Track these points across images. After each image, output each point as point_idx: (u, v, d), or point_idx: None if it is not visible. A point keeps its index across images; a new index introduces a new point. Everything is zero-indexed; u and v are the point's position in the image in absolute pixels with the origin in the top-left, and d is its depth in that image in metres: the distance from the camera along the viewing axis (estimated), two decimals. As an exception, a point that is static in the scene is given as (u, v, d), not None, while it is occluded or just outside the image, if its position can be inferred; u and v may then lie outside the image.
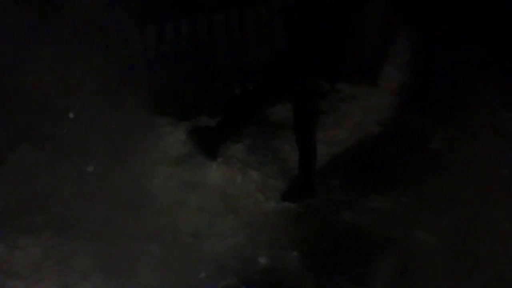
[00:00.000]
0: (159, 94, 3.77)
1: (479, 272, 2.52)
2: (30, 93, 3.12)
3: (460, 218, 2.85)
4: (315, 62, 3.05)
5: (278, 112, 3.95)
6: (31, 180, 3.08)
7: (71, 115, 3.09)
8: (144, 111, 3.58)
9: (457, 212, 2.89)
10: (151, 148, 3.32)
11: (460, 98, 3.74)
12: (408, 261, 2.62)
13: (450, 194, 3.06)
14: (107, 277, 2.53)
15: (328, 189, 3.35)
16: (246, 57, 4.07)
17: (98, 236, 2.72)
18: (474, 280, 2.49)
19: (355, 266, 2.70)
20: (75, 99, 3.20)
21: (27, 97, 3.13)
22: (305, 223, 3.07)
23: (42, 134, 3.22)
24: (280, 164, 3.53)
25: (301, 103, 3.16)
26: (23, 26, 3.19)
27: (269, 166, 3.47)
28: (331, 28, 2.99)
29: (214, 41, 3.92)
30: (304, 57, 3.02)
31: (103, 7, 3.28)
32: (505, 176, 3.28)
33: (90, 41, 3.49)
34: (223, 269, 2.68)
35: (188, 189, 3.13)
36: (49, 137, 3.20)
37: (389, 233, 2.90)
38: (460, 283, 2.49)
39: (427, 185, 3.23)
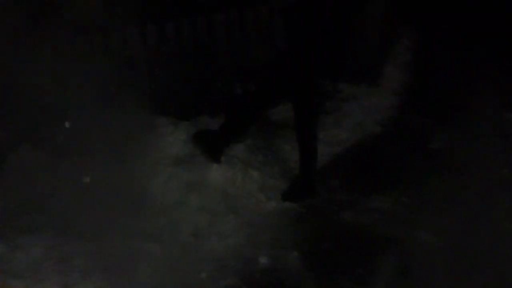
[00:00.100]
0: (159, 94, 3.77)
1: (479, 272, 2.52)
2: (30, 93, 3.12)
3: (460, 218, 2.85)
4: (315, 62, 3.05)
5: (278, 112, 3.95)
6: (31, 180, 3.08)
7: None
8: (144, 111, 3.58)
9: (458, 212, 2.89)
10: (151, 148, 3.32)
11: (460, 98, 3.74)
12: (409, 261, 2.62)
13: (450, 194, 3.06)
14: (107, 277, 2.53)
15: (328, 189, 3.35)
16: (246, 57, 4.07)
17: (98, 236, 2.72)
18: (474, 280, 2.49)
19: (356, 266, 2.70)
20: (75, 99, 3.20)
21: (27, 97, 3.13)
22: (306, 223, 3.06)
23: (42, 134, 3.22)
24: (280, 164, 3.53)
25: (302, 103, 3.16)
26: (23, 26, 3.19)
27: (270, 166, 3.47)
28: (331, 28, 2.98)
29: (214, 41, 3.92)
30: (305, 57, 3.02)
31: (103, 7, 3.29)
32: (505, 176, 3.28)
33: (90, 41, 3.49)
34: (224, 269, 2.68)
35: (189, 189, 3.13)
36: (49, 137, 3.20)
37: (389, 233, 2.89)
38: (460, 283, 2.49)
39: (428, 185, 3.23)
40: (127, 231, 2.77)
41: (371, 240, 2.88)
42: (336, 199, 3.26)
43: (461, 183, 3.13)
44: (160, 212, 2.99)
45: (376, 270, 2.65)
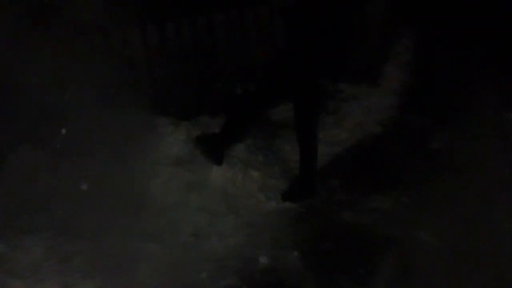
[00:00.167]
0: (160, 94, 3.77)
1: (479, 272, 2.52)
2: (30, 93, 3.12)
3: (460, 218, 2.85)
4: (315, 62, 3.05)
5: (278, 112, 3.95)
6: (31, 180, 3.08)
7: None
8: (144, 111, 3.58)
9: (458, 212, 2.89)
10: (151, 148, 3.32)
11: (460, 98, 3.74)
12: (409, 261, 2.62)
13: (450, 194, 3.06)
14: (107, 277, 2.53)
15: (328, 189, 3.35)
16: (247, 57, 4.07)
17: (98, 236, 2.72)
18: (474, 280, 2.49)
19: (356, 266, 2.70)
20: (75, 99, 3.20)
21: (27, 97, 3.13)
22: (306, 223, 3.07)
23: (42, 134, 3.22)
24: (280, 164, 3.53)
25: (302, 103, 3.16)
26: (23, 26, 3.19)
27: (270, 166, 3.47)
28: (331, 28, 2.98)
29: (214, 41, 3.92)
30: (305, 57, 3.02)
31: (103, 7, 3.29)
32: (506, 176, 3.28)
33: (90, 41, 3.49)
34: (224, 269, 2.68)
35: (189, 189, 3.13)
36: (49, 137, 3.20)
37: (389, 233, 2.89)
38: (461, 283, 2.49)
39: (428, 185, 3.23)
40: (127, 231, 2.77)
41: (371, 240, 2.88)
42: (336, 199, 3.27)
43: (461, 183, 3.13)
44: (160, 212, 2.99)
45: (376, 270, 2.65)
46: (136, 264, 2.63)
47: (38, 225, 2.83)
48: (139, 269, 2.60)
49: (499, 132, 3.65)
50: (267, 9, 4.11)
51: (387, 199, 3.24)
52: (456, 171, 3.26)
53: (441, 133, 3.83)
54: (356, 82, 4.41)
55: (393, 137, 3.94)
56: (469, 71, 3.89)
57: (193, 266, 2.67)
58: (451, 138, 3.70)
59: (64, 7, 3.25)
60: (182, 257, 2.73)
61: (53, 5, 3.26)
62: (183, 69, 3.82)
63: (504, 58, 4.14)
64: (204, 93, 3.97)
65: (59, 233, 2.77)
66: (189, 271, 2.65)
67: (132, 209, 2.92)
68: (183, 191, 3.11)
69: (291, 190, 3.25)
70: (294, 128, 3.26)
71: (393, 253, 2.73)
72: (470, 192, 3.03)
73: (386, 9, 4.53)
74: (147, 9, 3.54)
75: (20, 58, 3.11)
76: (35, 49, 3.25)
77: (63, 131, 3.09)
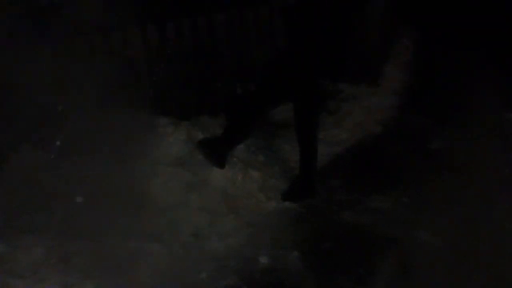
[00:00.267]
0: (160, 94, 3.77)
1: (479, 272, 2.52)
2: (30, 93, 3.12)
3: (460, 218, 2.85)
4: (315, 62, 3.05)
5: (278, 112, 3.94)
6: (31, 180, 3.08)
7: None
8: (145, 111, 3.58)
9: (458, 212, 2.89)
10: (151, 148, 3.32)
11: (460, 98, 3.74)
12: (409, 261, 2.62)
13: (450, 194, 3.06)
14: (107, 277, 2.53)
15: (328, 189, 3.35)
16: (247, 57, 4.07)
17: (98, 236, 2.72)
18: (475, 280, 2.49)
19: (356, 266, 2.70)
20: (75, 99, 3.20)
21: (27, 97, 3.13)
22: (306, 223, 3.07)
23: (42, 134, 3.22)
24: (281, 164, 3.53)
25: (302, 103, 3.16)
26: (23, 26, 3.19)
27: (270, 166, 3.47)
28: (331, 28, 2.98)
29: (214, 41, 3.92)
30: (305, 57, 3.02)
31: (103, 7, 3.29)
32: (506, 176, 3.28)
33: (90, 41, 3.49)
34: (224, 269, 2.68)
35: (189, 189, 3.13)
36: (49, 137, 3.20)
37: (389, 233, 2.89)
38: (461, 283, 2.49)
39: (428, 185, 3.23)
40: (127, 231, 2.77)
41: (371, 240, 2.88)
42: (336, 199, 3.26)
43: (461, 183, 3.13)
44: (160, 212, 2.99)
45: (376, 270, 2.65)
46: (136, 264, 2.63)
47: (38, 225, 2.82)
48: (139, 269, 2.60)
49: (499, 132, 3.65)
50: (267, 9, 4.11)
51: (387, 199, 3.24)
52: (456, 171, 3.26)
53: (441, 133, 3.83)
54: (356, 82, 4.41)
55: (393, 137, 3.94)
56: (469, 71, 3.89)
57: (193, 266, 2.67)
58: (451, 138, 3.70)
59: (64, 7, 3.25)
60: (182, 257, 2.73)
61: (53, 5, 3.26)
62: (183, 69, 3.82)
63: (504, 58, 4.14)
64: (204, 93, 3.97)
65: (59, 233, 2.76)
66: (189, 271, 2.65)
67: (132, 209, 2.92)
68: (183, 191, 3.11)
69: (291, 190, 3.25)
70: (294, 128, 3.26)
71: (393, 253, 2.73)
72: (470, 192, 3.03)
73: (386, 9, 4.53)
74: (147, 9, 3.54)
75: (21, 58, 3.11)
76: (35, 49, 3.25)
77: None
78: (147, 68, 3.72)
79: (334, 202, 3.24)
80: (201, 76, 3.91)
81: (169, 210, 3.00)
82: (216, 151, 3.10)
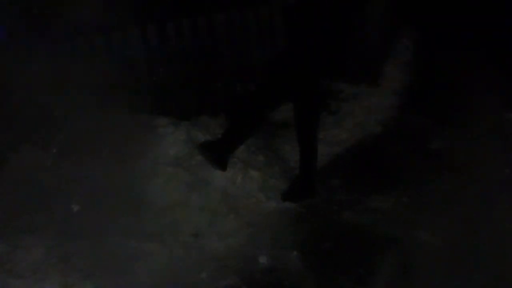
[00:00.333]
0: (160, 94, 3.77)
1: (479, 272, 2.52)
2: (30, 93, 3.12)
3: (460, 218, 2.85)
4: (316, 62, 3.05)
5: (279, 112, 3.94)
6: (31, 180, 3.07)
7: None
8: (145, 111, 3.59)
9: (458, 212, 2.89)
10: (151, 148, 3.32)
11: (460, 98, 3.74)
12: (409, 261, 2.62)
13: (450, 194, 3.06)
14: (107, 277, 2.53)
15: (328, 189, 3.35)
16: (247, 57, 4.07)
17: (98, 236, 2.72)
18: (475, 280, 2.49)
19: (356, 266, 2.70)
20: (75, 100, 3.20)
21: (27, 97, 3.13)
22: (306, 223, 3.06)
23: (42, 134, 3.22)
24: (281, 164, 3.53)
25: (303, 103, 3.16)
26: (23, 26, 3.19)
27: (270, 166, 3.47)
28: (331, 28, 2.98)
29: (214, 41, 3.92)
30: (305, 57, 3.01)
31: (103, 7, 3.29)
32: (506, 176, 3.28)
33: (90, 41, 3.49)
34: (224, 268, 2.68)
35: (189, 189, 3.13)
36: (49, 137, 3.20)
37: (389, 233, 2.89)
38: (461, 283, 2.49)
39: (428, 185, 3.23)
40: (127, 231, 2.78)
41: (371, 240, 2.88)
42: (336, 199, 3.26)
43: (461, 183, 3.13)
44: (160, 212, 2.99)
45: (376, 270, 2.65)
46: (136, 264, 2.63)
47: (38, 225, 2.82)
48: (139, 269, 2.60)
49: (499, 132, 3.65)
50: (267, 9, 4.11)
51: (388, 199, 3.23)
52: (456, 171, 3.26)
53: (441, 133, 3.83)
54: (356, 82, 4.41)
55: (393, 137, 3.93)
56: (469, 71, 3.89)
57: (193, 266, 2.67)
58: (451, 138, 3.70)
59: (64, 7, 3.25)
60: (182, 257, 2.73)
61: (53, 5, 3.26)
62: (183, 69, 3.82)
63: (504, 58, 4.14)
64: (204, 93, 3.97)
65: (59, 233, 2.76)
66: (189, 271, 2.65)
67: (132, 209, 2.92)
68: (183, 191, 3.11)
69: (291, 190, 3.25)
70: (294, 128, 3.26)
71: (393, 253, 2.73)
72: (470, 192, 3.03)
73: (386, 9, 4.53)
74: (147, 9, 3.54)
75: (21, 58, 3.12)
76: (35, 49, 3.25)
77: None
78: (147, 68, 3.72)
79: (334, 202, 3.24)
80: (201, 76, 3.91)
81: (169, 210, 3.00)
82: (218, 154, 3.10)
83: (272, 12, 4.11)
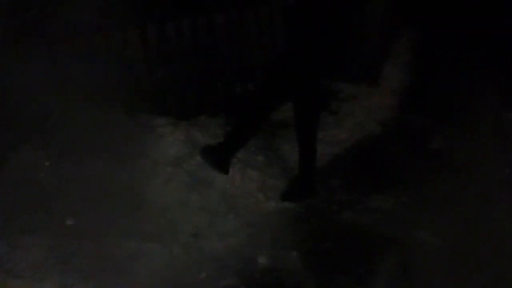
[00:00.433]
0: (159, 94, 3.77)
1: (479, 272, 2.52)
2: (30, 93, 3.12)
3: (460, 218, 2.85)
4: (315, 62, 3.05)
5: (278, 112, 3.94)
6: (31, 180, 3.07)
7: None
8: (144, 111, 3.59)
9: (458, 212, 2.90)
10: (151, 148, 3.32)
11: (460, 98, 3.75)
12: (409, 261, 2.62)
13: (450, 194, 3.07)
14: (107, 277, 2.54)
15: (328, 189, 3.35)
16: (247, 57, 4.07)
17: (98, 236, 2.72)
18: (475, 280, 2.49)
19: (356, 266, 2.70)
20: (75, 100, 3.20)
21: (27, 97, 3.13)
22: (306, 223, 3.07)
23: (42, 134, 3.22)
24: (280, 164, 3.53)
25: (302, 103, 3.16)
26: (23, 26, 3.19)
27: (270, 166, 3.47)
28: (331, 28, 2.98)
29: (214, 41, 3.91)
30: (305, 57, 3.01)
31: (104, 7, 3.29)
32: (506, 176, 3.29)
33: (90, 41, 3.49)
34: (224, 269, 2.68)
35: (189, 189, 3.13)
36: (49, 137, 3.20)
37: (389, 233, 2.89)
38: (461, 283, 2.49)
39: (428, 185, 3.23)
40: (127, 231, 2.78)
41: (371, 240, 2.88)
42: (336, 199, 3.26)
43: (461, 183, 3.13)
44: (160, 212, 2.99)
45: (376, 270, 2.65)
46: (136, 264, 2.63)
47: (38, 225, 2.82)
48: (139, 269, 2.60)
49: (499, 132, 3.65)
50: (267, 9, 4.10)
51: (388, 199, 3.24)
52: (456, 171, 3.27)
53: (441, 133, 3.83)
54: (356, 82, 4.41)
55: (393, 137, 3.94)
56: (469, 71, 3.89)
57: (193, 266, 2.68)
58: (451, 138, 3.70)
59: (64, 7, 3.25)
60: (182, 257, 2.73)
61: (53, 5, 3.26)
62: (183, 69, 3.82)
63: (504, 58, 4.14)
64: (203, 93, 3.97)
65: (59, 233, 2.76)
66: (189, 271, 2.65)
67: (132, 209, 2.92)
68: (182, 191, 3.11)
69: (290, 190, 3.25)
70: (294, 127, 3.25)
71: (393, 253, 2.73)
72: (470, 192, 3.04)
73: (386, 9, 4.53)
74: (147, 9, 3.54)
75: (21, 58, 3.11)
76: (35, 49, 3.25)
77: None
78: (146, 68, 3.71)
79: (334, 202, 3.24)
80: (201, 76, 3.91)
81: (169, 210, 3.00)
82: (220, 157, 3.10)
83: (272, 12, 4.10)
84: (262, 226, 3.01)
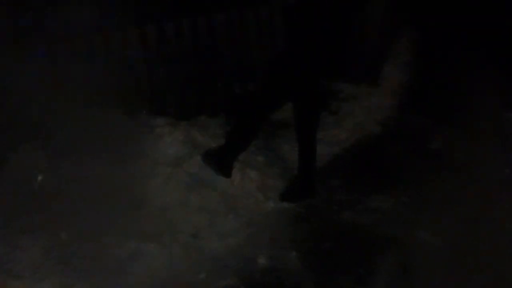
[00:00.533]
0: (159, 94, 3.77)
1: (479, 272, 2.52)
2: (30, 93, 3.12)
3: (460, 218, 2.85)
4: (315, 62, 3.05)
5: (278, 112, 3.95)
6: (31, 180, 3.07)
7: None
8: (144, 111, 3.58)
9: (458, 212, 2.89)
10: (150, 148, 3.32)
11: (460, 98, 3.75)
12: (409, 261, 2.62)
13: (450, 194, 3.06)
14: (107, 277, 2.53)
15: (328, 189, 3.35)
16: (247, 57, 4.07)
17: (98, 236, 2.72)
18: (475, 280, 2.49)
19: (356, 266, 2.70)
20: (74, 100, 3.20)
21: (27, 97, 3.13)
22: (305, 223, 3.07)
23: (42, 134, 3.22)
24: (280, 164, 3.53)
25: (302, 103, 3.16)
26: (23, 25, 3.19)
27: (269, 166, 3.47)
28: (331, 28, 2.98)
29: (214, 41, 3.91)
30: (305, 57, 3.01)
31: (103, 8, 3.29)
32: (506, 176, 3.29)
33: (90, 41, 3.49)
34: (223, 269, 2.68)
35: (188, 189, 3.12)
36: (49, 137, 3.20)
37: (389, 233, 2.89)
38: (461, 283, 2.49)
39: (427, 185, 3.23)
40: (126, 231, 2.77)
41: (371, 240, 2.88)
42: (336, 199, 3.26)
43: (461, 183, 3.13)
44: (159, 212, 2.99)
45: (376, 270, 2.65)
46: (135, 264, 2.63)
47: (38, 225, 2.82)
48: (139, 269, 2.60)
49: (499, 132, 3.65)
50: (267, 9, 4.10)
51: (388, 199, 3.24)
52: (456, 171, 3.26)
53: (441, 133, 3.83)
54: (356, 82, 4.41)
55: (393, 137, 3.94)
56: (469, 71, 3.89)
57: (192, 266, 2.67)
58: (451, 138, 3.70)
59: (64, 7, 3.25)
60: (181, 257, 2.73)
61: (53, 5, 3.26)
62: (183, 69, 3.82)
63: (504, 58, 4.14)
64: (203, 93, 3.97)
65: (59, 233, 2.76)
66: (188, 271, 2.65)
67: (132, 209, 2.91)
68: (182, 191, 3.11)
69: (290, 190, 3.25)
70: (294, 127, 3.25)
71: (393, 253, 2.73)
72: (470, 192, 3.03)
73: (386, 9, 4.53)
74: (146, 9, 3.54)
75: (20, 58, 3.11)
76: (35, 49, 3.25)
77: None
78: (146, 68, 3.71)
79: (334, 202, 3.24)
80: (201, 76, 3.91)
81: (169, 210, 3.00)
82: (222, 161, 3.10)
83: (272, 12, 4.10)
84: (262, 226, 3.01)
